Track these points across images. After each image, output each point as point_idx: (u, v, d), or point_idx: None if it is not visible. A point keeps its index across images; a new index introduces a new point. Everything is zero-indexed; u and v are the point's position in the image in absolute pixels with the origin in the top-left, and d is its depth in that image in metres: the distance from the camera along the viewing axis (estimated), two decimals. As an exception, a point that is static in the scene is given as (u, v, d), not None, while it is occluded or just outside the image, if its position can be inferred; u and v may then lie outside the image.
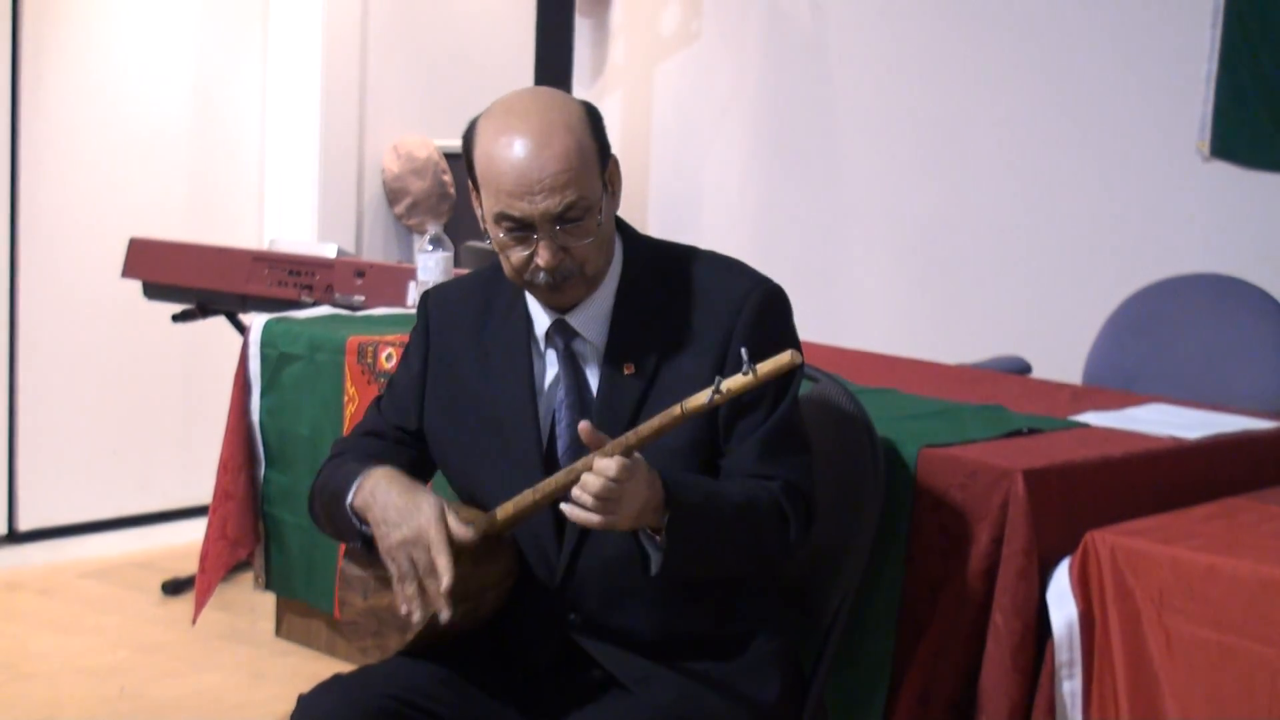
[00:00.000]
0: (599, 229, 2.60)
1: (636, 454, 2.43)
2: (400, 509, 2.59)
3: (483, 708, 2.67)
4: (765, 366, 2.34)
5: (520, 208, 2.55)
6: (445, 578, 2.51)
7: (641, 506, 2.43)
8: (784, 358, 2.34)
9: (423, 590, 2.56)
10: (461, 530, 2.55)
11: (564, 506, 2.44)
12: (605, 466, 2.38)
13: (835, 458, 2.98)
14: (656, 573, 2.50)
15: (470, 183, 2.67)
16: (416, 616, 2.57)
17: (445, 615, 2.53)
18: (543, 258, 2.57)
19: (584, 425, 2.43)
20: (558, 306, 2.68)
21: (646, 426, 2.42)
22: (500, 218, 2.58)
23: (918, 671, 3.01)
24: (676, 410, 2.40)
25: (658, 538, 2.49)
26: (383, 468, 2.69)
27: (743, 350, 2.37)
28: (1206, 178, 5.43)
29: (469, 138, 2.64)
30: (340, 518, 2.70)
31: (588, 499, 2.40)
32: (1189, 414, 3.62)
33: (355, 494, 2.66)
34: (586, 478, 2.40)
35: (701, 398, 2.38)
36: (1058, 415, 3.53)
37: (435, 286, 2.94)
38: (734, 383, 2.36)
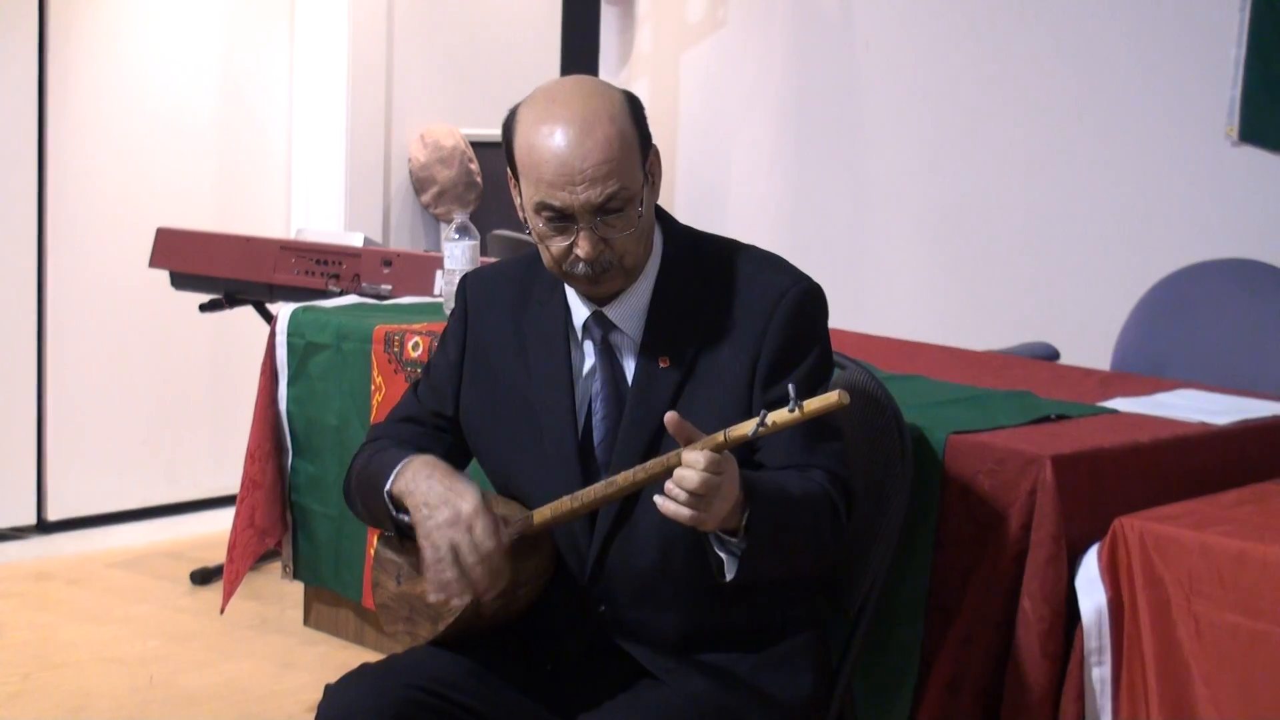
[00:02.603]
0: (639, 220, 2.59)
1: (727, 452, 2.38)
2: (441, 494, 2.58)
3: (510, 700, 2.66)
4: (812, 404, 2.30)
5: (561, 198, 2.53)
6: (489, 545, 2.53)
7: (731, 506, 2.39)
8: (831, 398, 2.30)
9: (462, 574, 2.55)
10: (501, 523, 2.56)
11: (657, 499, 2.37)
12: (694, 459, 2.33)
13: (863, 445, 2.98)
14: (733, 577, 2.46)
15: (509, 171, 2.66)
16: (454, 602, 2.57)
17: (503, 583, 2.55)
18: (582, 249, 2.56)
19: (671, 415, 2.37)
20: (596, 298, 2.67)
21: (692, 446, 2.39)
22: (540, 207, 2.57)
23: (946, 659, 3.01)
24: (719, 437, 2.36)
25: (731, 540, 2.45)
26: (424, 456, 2.68)
27: (790, 387, 2.33)
28: (1235, 162, 5.40)
29: (509, 126, 2.62)
30: (376, 504, 2.70)
31: (681, 494, 2.34)
32: (1218, 399, 3.61)
33: (395, 480, 2.66)
34: (681, 472, 2.33)
35: (746, 428, 2.34)
36: (1086, 401, 3.52)
37: (475, 271, 2.92)
38: (779, 417, 2.33)
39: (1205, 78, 5.45)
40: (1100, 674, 2.84)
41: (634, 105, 2.62)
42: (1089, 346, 5.00)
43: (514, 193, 2.67)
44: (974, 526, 3.02)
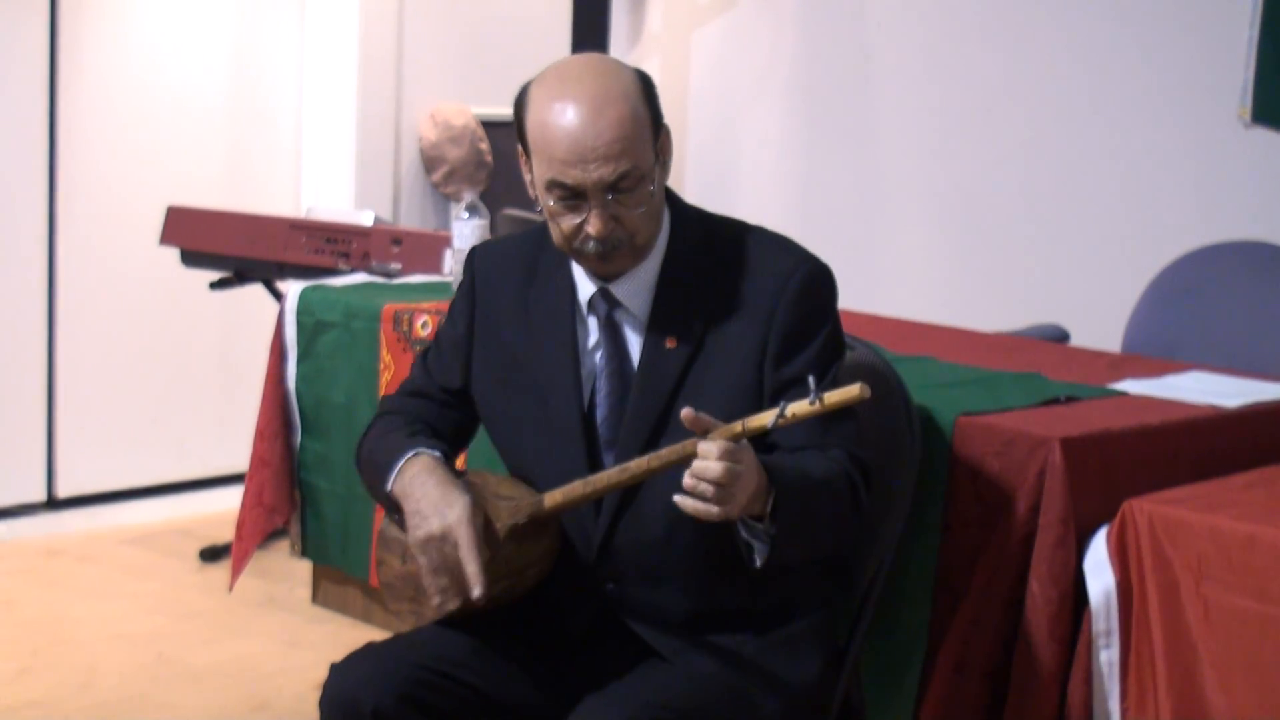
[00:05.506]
0: (650, 198, 2.59)
1: (744, 440, 2.37)
2: (432, 504, 2.59)
3: (516, 679, 2.67)
4: (833, 396, 2.32)
5: (573, 175, 2.53)
6: (476, 589, 2.53)
7: (753, 493, 2.38)
8: (852, 390, 2.31)
9: (454, 580, 2.57)
10: (489, 531, 2.58)
11: (677, 498, 2.35)
12: (709, 450, 2.32)
13: (871, 426, 2.96)
14: (762, 564, 2.45)
15: (520, 148, 2.65)
16: (450, 607, 2.59)
17: (478, 593, 2.54)
18: (594, 226, 2.56)
19: (687, 411, 2.36)
20: (604, 276, 2.67)
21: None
22: (552, 185, 2.56)
23: (954, 641, 3.00)
24: (737, 427, 2.37)
25: (759, 526, 2.44)
26: (424, 456, 2.68)
27: (810, 378, 2.34)
28: (1248, 144, 5.38)
29: (521, 103, 2.62)
30: (381, 495, 2.72)
31: (706, 487, 2.32)
32: (1228, 382, 3.60)
33: (395, 480, 2.67)
34: (701, 464, 2.32)
35: (765, 419, 2.36)
36: (1096, 383, 3.52)
37: (483, 243, 2.92)
38: (799, 409, 2.33)
39: (1218, 59, 5.42)
40: (1108, 657, 2.84)
41: (646, 84, 2.62)
42: (1099, 328, 4.99)
43: (524, 170, 2.67)
44: (982, 508, 3.02)
